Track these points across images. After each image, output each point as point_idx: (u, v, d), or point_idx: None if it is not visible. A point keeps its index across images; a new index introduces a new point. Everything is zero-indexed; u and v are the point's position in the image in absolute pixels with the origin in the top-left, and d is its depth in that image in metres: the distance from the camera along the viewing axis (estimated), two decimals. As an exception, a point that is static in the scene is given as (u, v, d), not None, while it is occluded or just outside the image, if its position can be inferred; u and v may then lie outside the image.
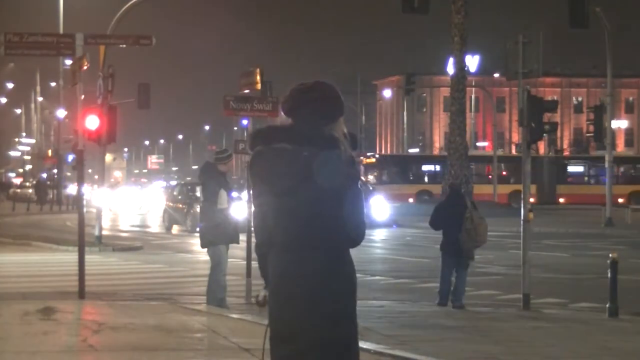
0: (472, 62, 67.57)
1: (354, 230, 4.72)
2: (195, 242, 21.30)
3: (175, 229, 39.35)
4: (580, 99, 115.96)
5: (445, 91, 77.59)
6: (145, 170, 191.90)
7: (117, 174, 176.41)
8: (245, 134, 45.29)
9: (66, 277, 17.29)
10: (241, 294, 15.48)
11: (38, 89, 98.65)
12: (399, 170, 63.46)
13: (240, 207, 15.30)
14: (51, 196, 66.68)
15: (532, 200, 57.16)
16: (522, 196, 16.34)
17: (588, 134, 63.66)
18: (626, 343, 12.32)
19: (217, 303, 13.94)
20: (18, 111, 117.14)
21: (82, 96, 21.33)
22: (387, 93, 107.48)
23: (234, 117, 60.26)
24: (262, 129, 4.86)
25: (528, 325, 13.48)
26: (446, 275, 15.47)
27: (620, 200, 62.01)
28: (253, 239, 7.96)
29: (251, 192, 4.90)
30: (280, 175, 4.68)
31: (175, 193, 41.55)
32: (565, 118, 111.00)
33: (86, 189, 22.41)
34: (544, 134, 16.97)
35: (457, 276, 15.39)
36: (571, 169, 68.06)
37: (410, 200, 56.55)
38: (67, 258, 22.03)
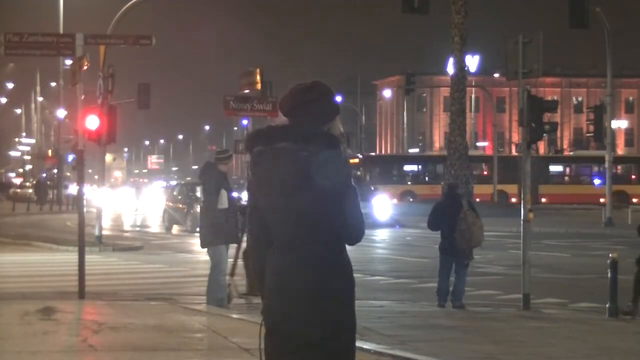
0: (472, 62, 67.61)
1: (355, 228, 4.75)
2: (195, 242, 21.30)
3: (175, 229, 39.36)
4: (580, 99, 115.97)
5: (445, 91, 77.62)
6: (145, 170, 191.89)
7: (117, 174, 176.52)
8: (245, 134, 45.27)
9: (66, 277, 17.29)
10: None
11: (38, 89, 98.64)
12: (382, 171, 63.02)
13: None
14: (51, 196, 66.66)
15: (513, 200, 57.38)
16: (521, 196, 16.35)
17: (588, 134, 63.79)
18: (626, 343, 12.32)
19: (217, 303, 13.93)
20: (18, 111, 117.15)
21: (82, 96, 21.35)
22: (387, 93, 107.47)
23: (234, 117, 60.29)
24: (261, 129, 4.88)
25: (528, 325, 13.48)
26: (443, 275, 15.48)
27: (602, 200, 62.14)
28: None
29: (250, 191, 4.88)
30: (282, 175, 4.69)
31: (175, 193, 41.56)
32: (565, 118, 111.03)
33: (87, 188, 22.32)
34: (544, 134, 16.97)
35: (457, 276, 15.40)
36: (553, 168, 67.87)
37: (395, 201, 55.95)
38: (67, 258, 22.03)
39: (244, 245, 13.60)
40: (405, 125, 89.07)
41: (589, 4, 34.08)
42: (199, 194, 27.82)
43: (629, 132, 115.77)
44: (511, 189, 58.16)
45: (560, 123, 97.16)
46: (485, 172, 63.31)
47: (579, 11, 33.19)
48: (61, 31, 43.82)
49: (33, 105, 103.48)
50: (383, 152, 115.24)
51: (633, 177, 66.85)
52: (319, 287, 4.68)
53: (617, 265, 14.57)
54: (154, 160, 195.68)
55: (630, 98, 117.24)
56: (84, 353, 10.13)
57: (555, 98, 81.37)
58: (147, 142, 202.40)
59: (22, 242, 29.58)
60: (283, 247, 4.73)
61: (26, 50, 17.61)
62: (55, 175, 70.07)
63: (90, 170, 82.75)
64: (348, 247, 4.79)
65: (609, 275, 14.52)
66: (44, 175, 75.33)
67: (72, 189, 59.77)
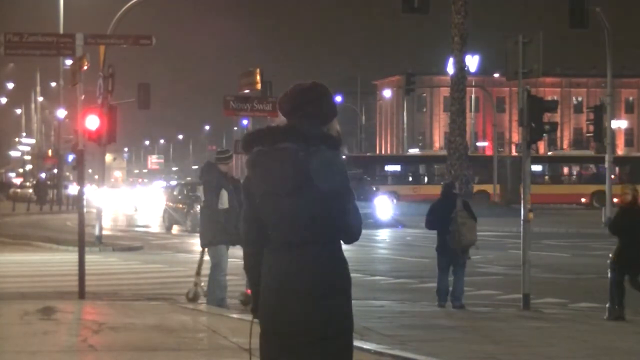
0: (472, 62, 67.55)
1: (354, 228, 4.76)
2: (195, 242, 21.30)
3: (175, 229, 39.37)
4: (580, 99, 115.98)
5: (445, 91, 77.66)
6: (145, 170, 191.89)
7: (117, 174, 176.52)
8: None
9: (66, 277, 17.29)
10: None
11: (38, 89, 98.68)
12: (365, 172, 62.81)
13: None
14: (51, 196, 66.67)
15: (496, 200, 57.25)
16: (522, 197, 16.34)
17: (588, 134, 63.69)
18: (626, 343, 12.32)
19: (217, 303, 13.93)
20: (18, 111, 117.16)
21: (82, 96, 21.37)
22: (387, 93, 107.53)
23: (234, 117, 60.22)
24: (260, 129, 4.88)
25: (528, 325, 13.48)
26: (441, 275, 15.48)
27: (583, 200, 62.20)
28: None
29: (246, 191, 4.88)
30: (282, 175, 4.70)
31: (175, 193, 41.57)
32: (565, 118, 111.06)
33: (87, 188, 22.22)
34: (544, 134, 16.97)
35: (455, 276, 15.39)
36: (535, 168, 67.87)
37: None
38: (67, 258, 22.03)
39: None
40: (405, 125, 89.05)
41: (589, 4, 34.09)
42: (199, 194, 27.83)
43: (629, 132, 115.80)
44: (489, 188, 58.54)
45: (560, 123, 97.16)
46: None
47: (579, 11, 33.21)
48: (61, 31, 43.85)
49: (33, 105, 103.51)
50: (382, 152, 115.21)
51: (612, 176, 66.98)
52: (318, 287, 4.68)
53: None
54: (154, 160, 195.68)
55: (630, 98, 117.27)
56: (84, 353, 10.13)
57: (555, 98, 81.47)
58: (147, 142, 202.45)
59: (22, 242, 29.58)
60: (282, 247, 4.74)
61: (26, 50, 17.62)
62: (55, 175, 70.08)
63: (90, 170, 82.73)
64: (348, 247, 4.80)
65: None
66: (44, 175, 75.36)
67: (72, 189, 59.78)
